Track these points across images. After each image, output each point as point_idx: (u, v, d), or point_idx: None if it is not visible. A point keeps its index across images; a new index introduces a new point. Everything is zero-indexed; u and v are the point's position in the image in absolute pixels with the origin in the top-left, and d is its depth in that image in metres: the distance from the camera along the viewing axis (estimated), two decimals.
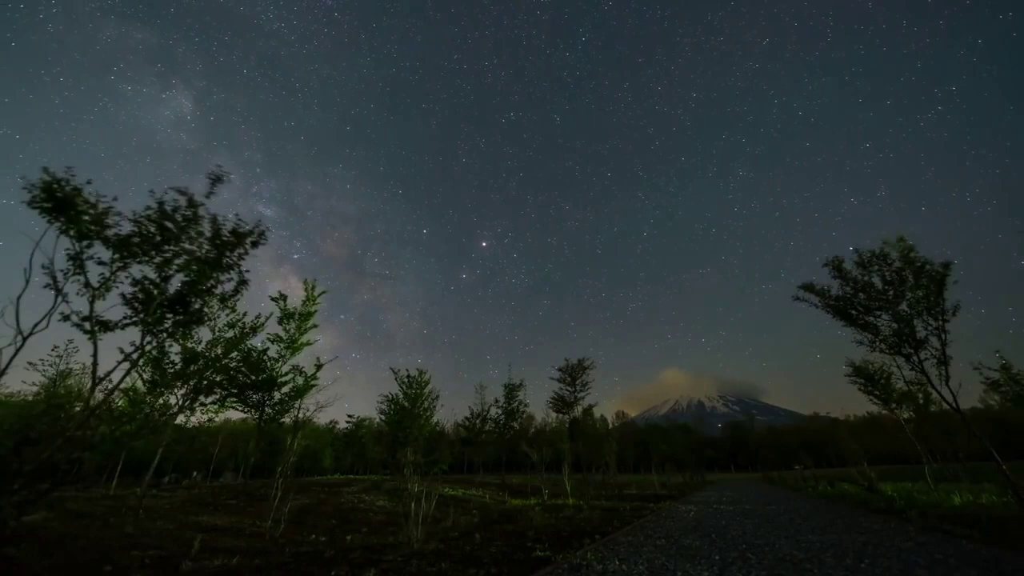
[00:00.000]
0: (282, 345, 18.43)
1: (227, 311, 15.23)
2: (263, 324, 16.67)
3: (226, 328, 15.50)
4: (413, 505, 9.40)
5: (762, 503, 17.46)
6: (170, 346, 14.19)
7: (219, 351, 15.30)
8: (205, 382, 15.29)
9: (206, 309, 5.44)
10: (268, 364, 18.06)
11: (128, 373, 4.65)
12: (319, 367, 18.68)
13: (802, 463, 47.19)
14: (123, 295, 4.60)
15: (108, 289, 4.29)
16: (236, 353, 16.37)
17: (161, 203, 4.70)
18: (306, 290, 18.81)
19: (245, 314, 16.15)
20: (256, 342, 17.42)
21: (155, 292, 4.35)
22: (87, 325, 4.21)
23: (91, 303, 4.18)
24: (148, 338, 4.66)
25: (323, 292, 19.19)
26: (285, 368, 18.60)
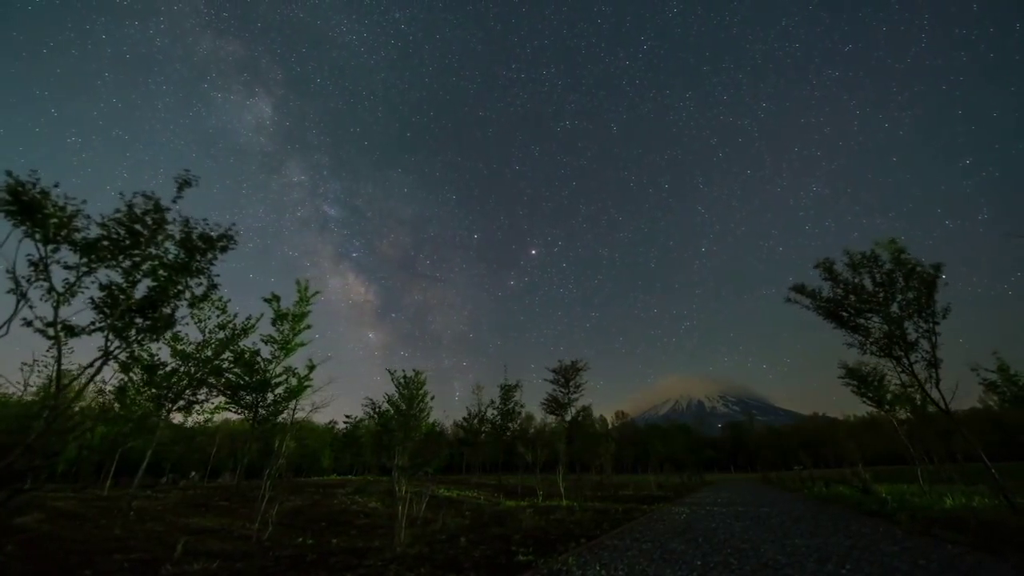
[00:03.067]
0: (276, 346, 18.41)
1: (218, 312, 15.34)
2: (254, 325, 16.70)
3: (217, 329, 15.56)
4: (400, 507, 9.39)
5: (756, 504, 17.39)
6: (158, 350, 14.29)
7: (209, 352, 15.36)
8: (196, 382, 15.37)
9: (177, 313, 5.41)
10: (261, 365, 18.04)
11: (92, 379, 4.64)
12: (312, 368, 18.68)
13: (801, 463, 47.11)
14: (92, 299, 4.60)
15: (73, 294, 4.30)
16: (228, 354, 16.42)
17: (131, 206, 4.70)
18: (299, 291, 18.75)
19: (236, 315, 16.20)
20: (250, 342, 17.43)
21: (122, 297, 4.35)
22: (51, 331, 4.21)
23: (55, 308, 4.18)
24: (117, 342, 4.66)
25: (316, 293, 19.15)
26: (279, 369, 18.59)
